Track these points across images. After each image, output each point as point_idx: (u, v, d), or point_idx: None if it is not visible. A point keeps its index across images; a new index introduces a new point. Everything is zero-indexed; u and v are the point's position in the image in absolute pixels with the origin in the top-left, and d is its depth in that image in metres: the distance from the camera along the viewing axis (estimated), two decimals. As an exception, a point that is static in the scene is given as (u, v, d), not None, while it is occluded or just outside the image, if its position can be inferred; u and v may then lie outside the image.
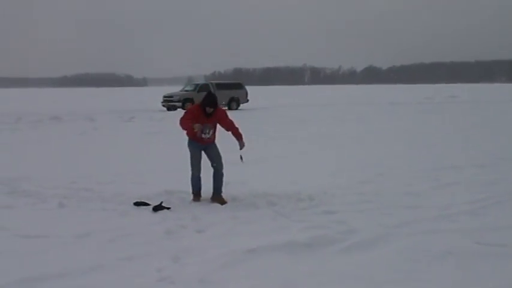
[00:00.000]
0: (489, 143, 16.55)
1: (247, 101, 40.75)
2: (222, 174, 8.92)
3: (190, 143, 8.87)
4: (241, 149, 8.88)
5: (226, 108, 38.66)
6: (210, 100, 8.48)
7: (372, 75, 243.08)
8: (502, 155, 13.61)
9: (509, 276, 5.45)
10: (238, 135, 8.86)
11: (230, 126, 8.85)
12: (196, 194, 8.96)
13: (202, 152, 8.94)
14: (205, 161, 9.00)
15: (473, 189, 9.56)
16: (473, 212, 7.91)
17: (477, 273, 5.50)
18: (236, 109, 39.27)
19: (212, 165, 8.94)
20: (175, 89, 45.45)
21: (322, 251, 6.23)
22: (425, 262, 5.82)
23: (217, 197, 8.87)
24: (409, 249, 6.22)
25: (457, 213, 7.86)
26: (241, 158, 9.02)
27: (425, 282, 5.29)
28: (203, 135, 8.71)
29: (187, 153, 8.94)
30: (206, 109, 8.51)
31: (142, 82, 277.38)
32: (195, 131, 8.43)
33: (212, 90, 38.74)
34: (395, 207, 8.28)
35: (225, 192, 8.99)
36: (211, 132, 8.78)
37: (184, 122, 8.52)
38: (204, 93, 35.13)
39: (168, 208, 8.31)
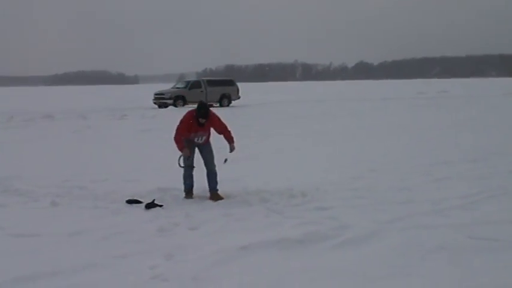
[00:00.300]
0: (481, 137, 16.61)
1: (239, 97, 40.74)
2: (215, 174, 8.99)
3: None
4: (231, 151, 9.03)
5: (218, 105, 38.69)
6: (203, 112, 8.72)
7: (363, 71, 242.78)
8: (494, 150, 13.65)
9: (501, 270, 5.47)
10: (229, 139, 9.03)
11: (223, 130, 9.01)
12: (189, 191, 9.00)
13: (196, 150, 9.01)
14: (198, 160, 9.02)
15: (465, 184, 9.60)
16: (465, 207, 7.94)
17: (470, 268, 5.52)
18: (227, 106, 39.27)
19: (205, 166, 9.01)
20: (166, 87, 45.31)
21: (315, 247, 6.24)
22: (419, 257, 5.83)
23: (214, 195, 8.92)
24: (402, 244, 6.24)
25: (450, 208, 7.89)
26: (225, 160, 9.06)
27: (418, 277, 5.31)
28: (196, 140, 8.92)
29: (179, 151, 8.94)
30: (199, 120, 8.72)
31: (134, 80, 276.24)
32: (182, 154, 8.82)
33: (203, 87, 38.84)
34: (388, 202, 8.30)
35: (218, 190, 8.99)
36: (204, 138, 8.98)
37: (178, 139, 8.78)
38: (195, 91, 34.91)
39: (161, 206, 8.31)
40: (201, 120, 8.72)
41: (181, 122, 8.85)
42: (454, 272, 5.44)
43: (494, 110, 29.52)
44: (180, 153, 8.86)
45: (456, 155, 12.91)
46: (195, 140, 8.90)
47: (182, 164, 8.92)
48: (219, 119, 8.96)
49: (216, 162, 9.04)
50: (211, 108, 9.03)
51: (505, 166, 11.27)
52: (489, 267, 5.52)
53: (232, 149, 9.04)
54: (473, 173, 10.64)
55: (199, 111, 8.70)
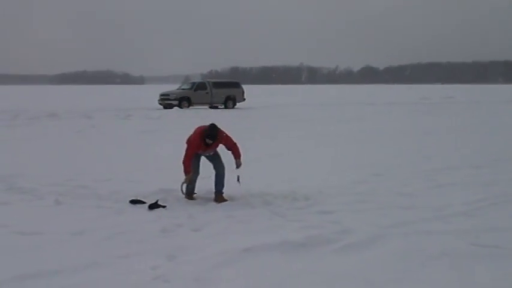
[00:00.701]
0: (485, 143, 16.59)
1: (244, 99, 40.75)
2: (223, 177, 8.99)
3: None
4: (237, 167, 8.97)
5: (223, 107, 38.79)
6: (211, 134, 8.68)
7: (368, 75, 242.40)
8: (498, 156, 13.63)
9: (503, 277, 5.47)
10: (237, 155, 8.98)
11: (231, 147, 8.98)
12: (189, 193, 8.99)
13: (203, 157, 9.07)
14: (204, 162, 9.05)
15: (468, 190, 9.58)
16: (468, 213, 7.93)
17: (471, 274, 5.52)
18: (233, 108, 39.27)
19: (214, 169, 9.05)
20: (172, 88, 45.32)
21: (317, 250, 6.24)
22: (420, 263, 5.83)
23: (218, 197, 8.95)
24: (403, 249, 6.25)
25: (452, 214, 7.89)
26: (238, 179, 9.01)
27: (419, 283, 5.31)
28: (203, 154, 8.99)
29: (183, 152, 8.94)
30: (206, 140, 8.70)
31: (140, 80, 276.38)
32: (184, 181, 8.82)
33: (209, 88, 38.84)
34: (391, 207, 8.30)
35: (224, 193, 8.99)
36: (212, 153, 9.03)
37: (187, 164, 8.74)
38: (200, 92, 34.84)
39: (164, 206, 8.32)
40: (208, 141, 8.69)
41: (190, 144, 8.82)
42: (455, 278, 5.45)
43: (498, 116, 29.45)
44: (183, 179, 8.85)
45: (459, 161, 12.90)
46: (202, 154, 8.97)
47: (185, 191, 8.96)
48: (227, 136, 8.93)
49: (224, 163, 9.05)
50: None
51: (508, 173, 11.25)
52: (490, 275, 5.52)
53: (238, 164, 8.96)
54: (476, 179, 10.63)
55: (208, 133, 8.68)
